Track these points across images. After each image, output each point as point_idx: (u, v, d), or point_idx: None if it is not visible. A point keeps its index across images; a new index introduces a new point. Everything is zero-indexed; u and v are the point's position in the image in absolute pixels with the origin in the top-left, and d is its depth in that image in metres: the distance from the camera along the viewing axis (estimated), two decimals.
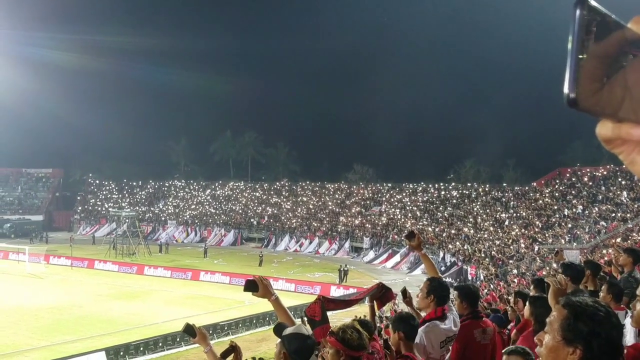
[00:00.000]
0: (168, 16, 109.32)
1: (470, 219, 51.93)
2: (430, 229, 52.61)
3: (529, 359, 2.88)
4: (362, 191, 67.23)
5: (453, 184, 63.98)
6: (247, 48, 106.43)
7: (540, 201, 49.80)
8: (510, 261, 39.66)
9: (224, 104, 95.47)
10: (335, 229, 59.80)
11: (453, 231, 50.27)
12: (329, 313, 4.07)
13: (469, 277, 38.51)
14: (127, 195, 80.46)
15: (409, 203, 60.81)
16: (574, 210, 45.90)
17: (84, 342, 24.42)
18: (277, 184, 75.98)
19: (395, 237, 51.51)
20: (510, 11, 77.25)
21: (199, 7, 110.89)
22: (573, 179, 51.09)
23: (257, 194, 73.90)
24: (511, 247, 42.67)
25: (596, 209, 44.46)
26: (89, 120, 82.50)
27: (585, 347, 1.51)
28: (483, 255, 42.10)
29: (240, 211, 70.01)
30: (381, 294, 4.90)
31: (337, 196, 67.95)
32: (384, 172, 77.11)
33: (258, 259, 47.87)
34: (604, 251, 32.74)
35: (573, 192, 48.95)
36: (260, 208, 69.65)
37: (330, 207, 65.44)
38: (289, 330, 3.31)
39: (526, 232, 44.97)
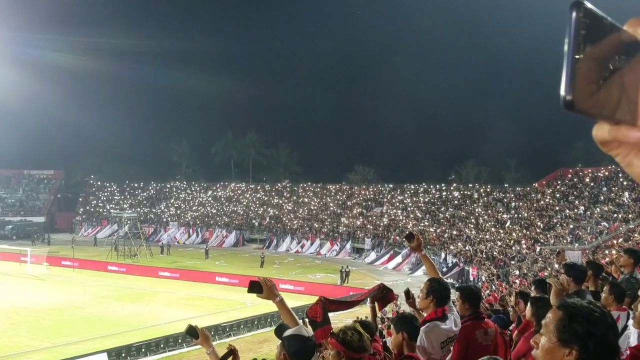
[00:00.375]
0: (170, 18, 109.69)
1: (472, 220, 51.89)
2: (431, 229, 52.58)
3: None
4: (363, 192, 67.21)
5: (454, 184, 63.94)
6: (249, 49, 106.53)
7: (542, 202, 49.75)
8: (512, 262, 39.60)
9: (225, 105, 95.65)
10: (336, 230, 59.76)
11: (454, 232, 50.21)
12: (330, 314, 4.07)
13: (471, 278, 38.46)
14: (128, 196, 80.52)
15: (410, 204, 60.78)
16: (576, 210, 45.84)
17: (85, 344, 24.45)
18: (279, 185, 75.98)
19: (397, 238, 51.44)
20: (512, 11, 77.23)
21: (201, 8, 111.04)
22: (575, 180, 51.04)
23: (259, 195, 73.90)
24: (513, 247, 42.61)
25: (598, 209, 44.41)
26: (90, 122, 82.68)
27: (581, 348, 1.51)
28: (484, 256, 42.04)
29: (242, 212, 70.02)
30: (382, 295, 4.90)
31: (338, 197, 67.93)
32: (386, 173, 77.14)
33: (260, 260, 47.88)
34: (606, 252, 32.68)
35: (575, 192, 48.89)
36: (261, 209, 69.65)
37: (331, 208, 65.42)
38: (289, 332, 3.31)
39: (528, 232, 44.91)
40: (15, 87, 74.29)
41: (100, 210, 75.71)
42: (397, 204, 62.03)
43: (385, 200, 63.74)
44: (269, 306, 24.80)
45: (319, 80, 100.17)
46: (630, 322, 4.55)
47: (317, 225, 61.80)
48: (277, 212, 67.68)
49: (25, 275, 41.53)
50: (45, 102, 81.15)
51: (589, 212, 44.74)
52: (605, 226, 41.50)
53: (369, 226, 58.46)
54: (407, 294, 5.43)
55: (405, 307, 7.00)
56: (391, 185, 66.59)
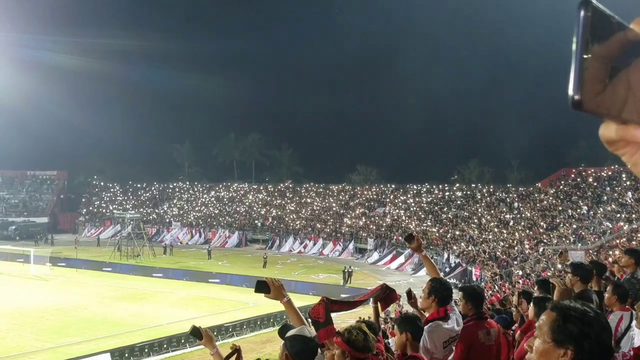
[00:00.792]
0: (174, 19, 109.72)
1: (475, 220, 51.83)
2: (434, 230, 52.55)
3: None
4: (366, 192, 67.20)
5: (457, 184, 63.87)
6: (251, 50, 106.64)
7: (545, 202, 49.66)
8: (515, 262, 39.54)
9: (227, 105, 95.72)
10: (339, 230, 59.76)
11: (457, 232, 50.16)
12: (333, 315, 4.06)
13: (474, 278, 38.41)
14: (131, 197, 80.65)
15: (413, 204, 60.75)
16: (579, 210, 45.75)
17: (88, 344, 24.49)
18: (281, 185, 76.01)
19: (400, 238, 51.39)
20: (517, 12, 77.15)
21: (204, 9, 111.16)
22: (578, 180, 50.94)
23: (261, 195, 73.95)
24: (516, 248, 42.54)
25: (601, 209, 44.32)
26: (93, 123, 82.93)
27: (576, 348, 1.51)
28: (487, 256, 41.99)
29: (245, 213, 70.08)
30: (385, 295, 4.90)
31: (341, 197, 67.92)
32: (388, 173, 77.04)
33: (262, 260, 47.90)
34: (609, 252, 32.61)
35: (578, 192, 48.79)
36: (264, 210, 69.69)
37: (334, 209, 65.42)
38: (291, 332, 3.32)
39: (531, 233, 44.84)
40: (19, 88, 74.49)
41: (103, 210, 75.84)
42: (400, 204, 61.99)
43: (387, 200, 63.71)
44: (272, 306, 24.89)
45: (322, 81, 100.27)
46: (634, 322, 4.55)
47: (319, 226, 61.80)
48: (279, 213, 67.71)
49: (29, 276, 41.62)
50: (48, 103, 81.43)
51: (592, 212, 44.65)
52: (608, 226, 41.41)
53: (371, 226, 58.44)
54: (409, 294, 5.43)
55: (407, 308, 7.00)
56: (394, 186, 66.55)
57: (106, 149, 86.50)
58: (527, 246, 42.23)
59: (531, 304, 4.81)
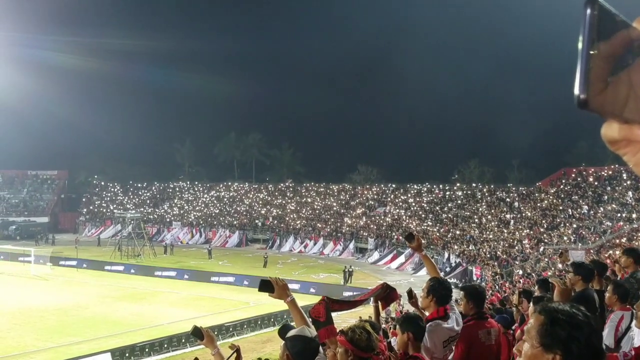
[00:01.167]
0: (174, 18, 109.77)
1: (475, 220, 51.83)
2: (435, 229, 52.54)
3: None
4: (366, 192, 67.19)
5: (458, 184, 63.85)
6: (251, 49, 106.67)
7: (545, 201, 49.64)
8: (516, 262, 39.54)
9: (228, 105, 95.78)
10: (339, 229, 59.76)
11: (458, 232, 50.16)
12: (333, 314, 4.06)
13: (474, 278, 38.39)
14: (132, 196, 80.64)
15: (413, 204, 60.74)
16: (579, 210, 45.75)
17: (89, 344, 24.50)
18: (282, 185, 76.00)
19: (400, 237, 51.39)
20: (517, 12, 77.12)
21: (205, 8, 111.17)
22: (578, 179, 50.92)
23: (262, 195, 73.93)
24: (516, 247, 42.55)
25: (601, 209, 44.31)
26: (93, 122, 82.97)
27: (564, 352, 1.47)
28: (488, 256, 41.99)
29: (245, 212, 70.09)
30: (385, 294, 4.90)
31: (341, 197, 67.91)
32: (389, 172, 77.14)
33: (263, 260, 47.90)
34: (610, 252, 32.60)
35: (578, 192, 48.77)
36: (264, 209, 69.69)
37: (334, 208, 65.41)
38: (292, 332, 3.32)
39: (531, 232, 44.84)
40: (19, 88, 74.46)
41: (104, 210, 75.86)
42: (401, 203, 61.98)
43: (388, 200, 63.70)
44: (272, 306, 24.88)
45: (322, 80, 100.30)
46: (634, 322, 4.54)
47: (320, 225, 61.80)
48: (280, 212, 67.71)
49: (29, 276, 41.64)
50: (48, 102, 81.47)
51: (592, 212, 44.63)
52: (608, 226, 41.40)
53: (372, 226, 58.45)
54: (410, 293, 5.43)
55: (408, 307, 7.00)
56: (394, 185, 66.53)
57: (107, 149, 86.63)
58: (527, 246, 42.23)
59: (531, 303, 4.82)
